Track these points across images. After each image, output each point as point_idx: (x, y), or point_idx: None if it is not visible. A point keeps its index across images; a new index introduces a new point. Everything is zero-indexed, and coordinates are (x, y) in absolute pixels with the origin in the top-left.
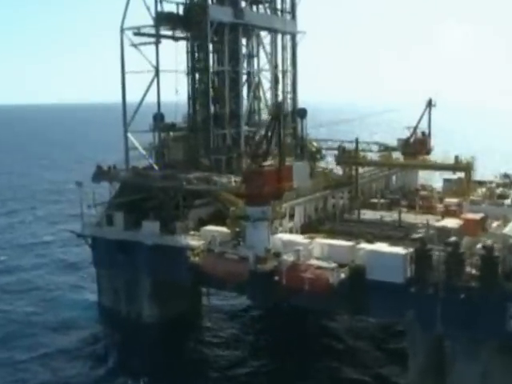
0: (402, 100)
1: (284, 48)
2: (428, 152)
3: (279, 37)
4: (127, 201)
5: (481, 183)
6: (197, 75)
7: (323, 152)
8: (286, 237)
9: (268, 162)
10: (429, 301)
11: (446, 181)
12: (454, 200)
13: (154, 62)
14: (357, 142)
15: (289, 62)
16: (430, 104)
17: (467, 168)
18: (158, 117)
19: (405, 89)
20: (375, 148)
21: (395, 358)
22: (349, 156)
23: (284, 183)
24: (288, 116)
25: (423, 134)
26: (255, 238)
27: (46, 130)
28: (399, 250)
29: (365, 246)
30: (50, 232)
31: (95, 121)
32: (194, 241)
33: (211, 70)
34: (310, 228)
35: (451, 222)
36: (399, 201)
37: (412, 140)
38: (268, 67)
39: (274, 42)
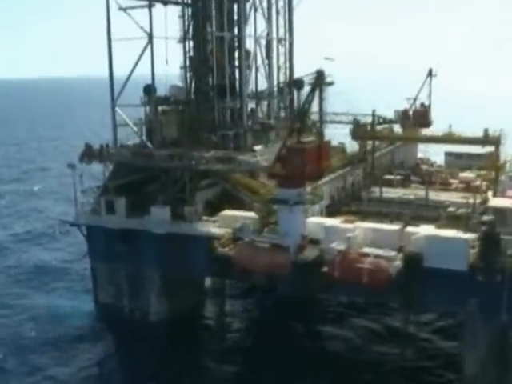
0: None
1: (278, 13)
2: (428, 124)
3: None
4: (124, 183)
5: None
6: (190, 43)
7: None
8: (324, 221)
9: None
10: (494, 289)
11: (447, 154)
12: (471, 175)
13: (144, 29)
14: (373, 114)
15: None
16: (430, 74)
17: (497, 142)
18: (152, 89)
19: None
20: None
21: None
22: (365, 130)
23: (324, 162)
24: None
25: (422, 105)
26: (290, 224)
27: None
28: (461, 234)
29: (415, 229)
30: (35, 222)
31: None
32: (213, 228)
33: (209, 36)
34: (333, 210)
35: (503, 202)
36: (409, 176)
37: (411, 112)
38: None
39: (270, 6)
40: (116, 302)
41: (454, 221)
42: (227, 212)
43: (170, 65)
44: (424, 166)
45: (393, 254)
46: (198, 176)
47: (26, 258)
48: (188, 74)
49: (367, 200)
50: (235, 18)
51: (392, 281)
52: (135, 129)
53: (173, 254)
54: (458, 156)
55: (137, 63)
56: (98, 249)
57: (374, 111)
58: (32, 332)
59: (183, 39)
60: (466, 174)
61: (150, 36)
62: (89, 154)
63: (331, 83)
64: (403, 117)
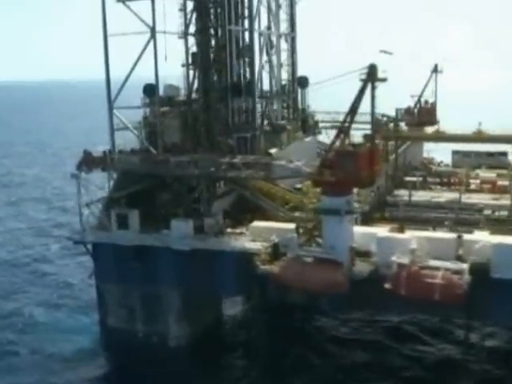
0: None
1: (280, 7)
2: (434, 122)
3: None
4: (131, 194)
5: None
6: (191, 39)
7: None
8: (373, 231)
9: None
10: None
11: (455, 153)
12: (492, 175)
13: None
14: (396, 112)
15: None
16: (435, 70)
17: None
18: (156, 88)
19: None
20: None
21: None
22: (387, 129)
23: (376, 166)
24: (286, 86)
25: (426, 102)
26: (339, 236)
27: None
28: None
29: (473, 237)
30: (33, 240)
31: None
32: (245, 242)
33: (213, 31)
34: (366, 217)
35: None
36: (426, 178)
37: (416, 109)
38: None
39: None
40: (128, 326)
41: (496, 225)
42: (258, 223)
43: (168, 62)
44: (432, 166)
45: (464, 266)
46: (214, 184)
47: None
48: (191, 72)
49: (396, 205)
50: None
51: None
52: (135, 133)
53: (197, 272)
54: (466, 154)
55: (138, 59)
56: (107, 268)
57: (397, 110)
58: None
59: (184, 34)
60: (488, 174)
61: (153, 30)
62: (89, 162)
63: (384, 79)
64: (406, 115)
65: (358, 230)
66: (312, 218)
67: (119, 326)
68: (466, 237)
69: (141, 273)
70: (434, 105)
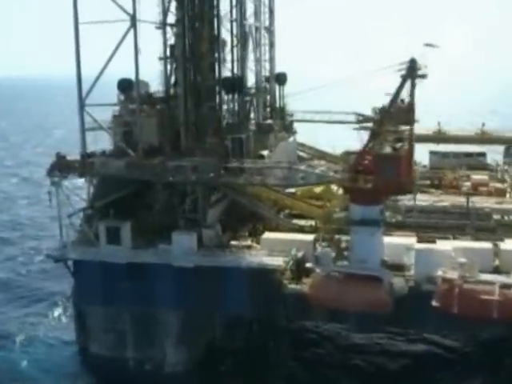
0: None
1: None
2: (412, 122)
3: None
4: (113, 202)
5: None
6: (170, 29)
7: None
8: (405, 242)
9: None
10: None
11: (433, 154)
12: (484, 177)
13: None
14: (373, 111)
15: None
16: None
17: None
18: (137, 83)
19: None
20: (352, 118)
21: None
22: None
23: (413, 171)
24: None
25: (402, 101)
26: (370, 249)
27: None
28: None
29: (508, 247)
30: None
31: None
32: (262, 257)
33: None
34: None
35: None
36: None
37: (393, 109)
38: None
39: None
40: (116, 353)
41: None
42: (270, 235)
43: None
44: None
45: None
46: (210, 191)
47: None
48: (169, 66)
49: (399, 210)
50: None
51: None
52: (110, 133)
53: (201, 291)
54: (445, 155)
55: (115, 50)
56: (92, 288)
57: (373, 109)
58: None
59: (163, 24)
60: (479, 177)
61: (133, 18)
62: (63, 167)
63: (424, 75)
64: (386, 114)
65: (386, 240)
66: (337, 229)
67: (105, 353)
68: (503, 247)
69: (133, 293)
70: (411, 104)
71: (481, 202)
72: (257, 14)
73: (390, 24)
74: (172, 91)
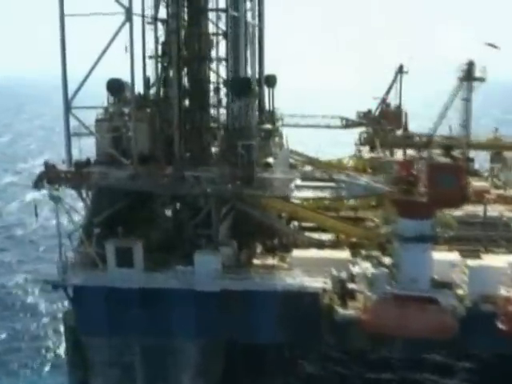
0: None
1: None
2: (400, 127)
3: None
4: (112, 216)
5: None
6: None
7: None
8: (451, 258)
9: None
10: None
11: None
12: (485, 184)
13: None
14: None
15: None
16: (401, 71)
17: None
18: (132, 84)
19: None
20: (337, 123)
21: None
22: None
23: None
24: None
25: (387, 105)
26: (421, 267)
27: None
28: None
29: None
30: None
31: None
32: (297, 278)
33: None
34: None
35: None
36: None
37: (378, 113)
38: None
39: None
40: None
41: None
42: (302, 253)
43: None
44: None
45: None
46: (222, 205)
47: None
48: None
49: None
50: None
51: None
52: (99, 139)
53: (225, 317)
54: None
55: (107, 48)
56: (96, 317)
57: (406, 114)
58: None
59: (154, 19)
60: (479, 184)
61: (129, 11)
62: (53, 178)
63: (482, 79)
64: (366, 119)
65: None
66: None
67: None
68: None
69: (145, 321)
70: (399, 108)
71: (492, 210)
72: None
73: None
74: (161, 93)
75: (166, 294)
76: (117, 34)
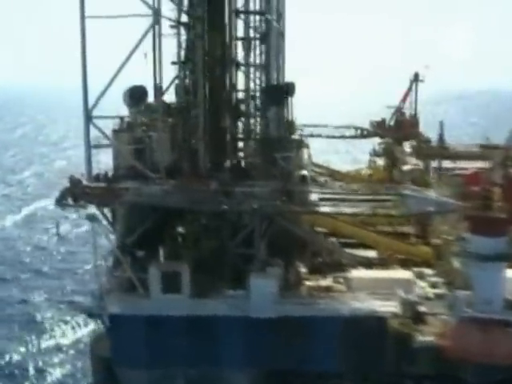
0: None
1: None
2: (417, 137)
3: None
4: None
5: None
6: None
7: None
8: None
9: None
10: None
11: None
12: None
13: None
14: (441, 127)
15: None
16: (416, 79)
17: None
18: (158, 90)
19: None
20: (351, 133)
21: None
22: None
23: None
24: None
25: (402, 114)
26: (495, 287)
27: None
28: None
29: None
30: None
31: None
32: (364, 301)
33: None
34: None
35: None
36: None
37: (393, 122)
38: None
39: None
40: None
41: None
42: (362, 274)
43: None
44: None
45: None
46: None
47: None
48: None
49: None
50: None
51: None
52: (124, 149)
53: (280, 345)
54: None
55: (132, 52)
56: (134, 348)
57: (441, 123)
58: None
59: (177, 22)
60: None
61: (157, 13)
62: (80, 195)
63: None
64: (379, 128)
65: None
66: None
67: None
68: None
69: (192, 351)
70: (415, 117)
71: None
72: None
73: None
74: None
75: (215, 321)
76: (143, 37)
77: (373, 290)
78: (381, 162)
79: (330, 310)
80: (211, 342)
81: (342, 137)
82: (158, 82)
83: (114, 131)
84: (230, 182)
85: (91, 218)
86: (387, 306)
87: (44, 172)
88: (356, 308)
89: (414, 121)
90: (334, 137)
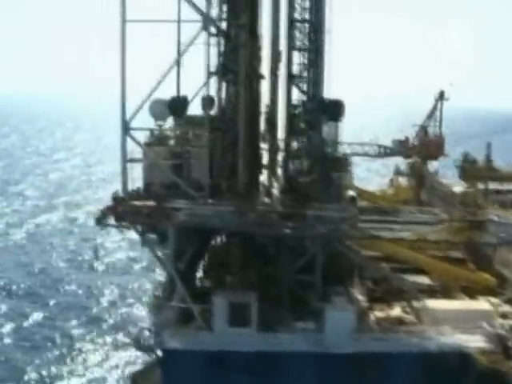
0: None
1: None
2: (441, 156)
3: None
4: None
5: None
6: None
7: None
8: None
9: None
10: None
11: None
12: None
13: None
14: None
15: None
16: (441, 97)
17: None
18: (208, 102)
19: None
20: (371, 151)
21: None
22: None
23: None
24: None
25: (426, 132)
26: None
27: None
28: None
29: None
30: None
31: None
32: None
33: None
34: None
35: None
36: None
37: (416, 141)
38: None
39: None
40: None
41: None
42: (439, 304)
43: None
44: None
45: None
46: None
47: None
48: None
49: None
50: None
51: None
52: (165, 164)
53: (354, 382)
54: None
55: (178, 61)
56: None
57: (489, 144)
58: None
59: (218, 30)
60: None
61: (207, 18)
62: (126, 214)
63: None
64: (402, 147)
65: None
66: None
67: None
68: None
69: None
70: (441, 136)
71: None
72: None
73: None
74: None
75: (285, 357)
76: (190, 44)
77: (449, 321)
78: (404, 181)
79: (409, 345)
80: (279, 380)
81: (366, 155)
82: (206, 92)
83: (147, 144)
84: (298, 204)
85: (148, 243)
86: (471, 341)
87: (40, 184)
88: (437, 342)
89: (440, 140)
90: (357, 154)
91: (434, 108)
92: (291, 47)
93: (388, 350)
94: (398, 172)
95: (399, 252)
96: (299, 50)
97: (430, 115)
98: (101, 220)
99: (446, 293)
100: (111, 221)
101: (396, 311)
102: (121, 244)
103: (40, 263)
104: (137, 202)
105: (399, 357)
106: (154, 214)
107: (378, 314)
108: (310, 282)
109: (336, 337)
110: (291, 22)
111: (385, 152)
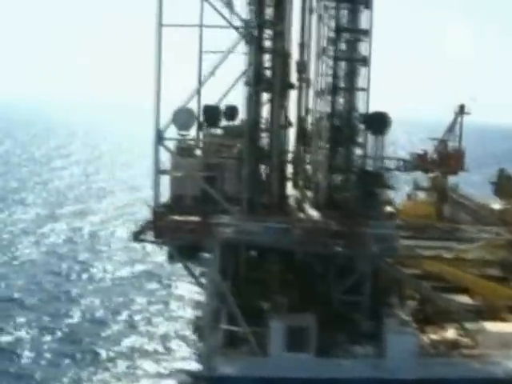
0: None
1: None
2: (461, 170)
3: None
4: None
5: None
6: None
7: None
8: None
9: None
10: None
11: None
12: None
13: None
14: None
15: None
16: (462, 111)
17: None
18: (252, 113)
19: None
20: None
21: None
22: None
23: None
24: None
25: (445, 147)
26: None
27: None
28: None
29: None
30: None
31: None
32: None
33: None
34: None
35: None
36: None
37: (437, 155)
38: None
39: None
40: None
41: None
42: (502, 327)
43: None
44: None
45: None
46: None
47: None
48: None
49: None
50: None
51: None
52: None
53: None
54: None
55: (215, 69)
56: None
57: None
58: None
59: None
60: None
61: (249, 25)
62: (167, 230)
63: None
64: (420, 161)
65: None
66: None
67: None
68: None
69: None
70: (461, 151)
71: None
72: None
73: None
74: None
75: (341, 382)
76: (229, 52)
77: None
78: (423, 196)
79: (475, 370)
80: None
81: (386, 169)
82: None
83: (176, 155)
84: (350, 221)
85: (184, 265)
86: None
87: (40, 193)
88: (504, 368)
89: (460, 154)
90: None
91: (454, 122)
92: (337, 58)
93: (454, 376)
94: (417, 187)
95: (445, 270)
96: (346, 60)
97: (450, 129)
98: (138, 236)
99: (493, 313)
100: (149, 236)
101: (450, 333)
102: (132, 255)
103: (50, 275)
104: (177, 217)
105: (465, 382)
106: (199, 229)
107: (432, 336)
108: (355, 303)
109: (398, 362)
110: (338, 29)
111: (405, 166)
